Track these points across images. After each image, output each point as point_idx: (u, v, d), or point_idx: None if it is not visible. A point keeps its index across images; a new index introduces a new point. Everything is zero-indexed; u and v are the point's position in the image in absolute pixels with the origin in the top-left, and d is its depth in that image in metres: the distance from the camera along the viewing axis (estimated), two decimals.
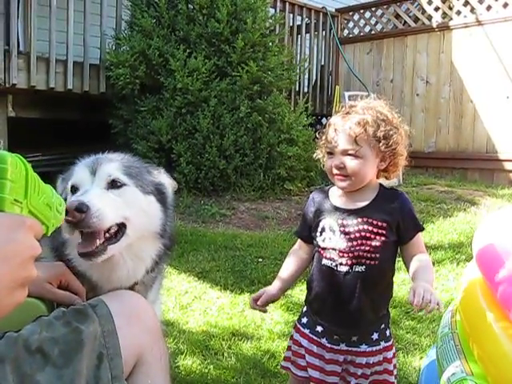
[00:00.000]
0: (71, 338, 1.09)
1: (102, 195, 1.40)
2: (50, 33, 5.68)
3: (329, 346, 1.75)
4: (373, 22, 8.58)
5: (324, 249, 1.74)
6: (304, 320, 1.84)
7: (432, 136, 7.79)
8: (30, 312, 1.22)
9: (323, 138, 1.78)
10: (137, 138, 5.77)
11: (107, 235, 1.37)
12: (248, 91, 5.75)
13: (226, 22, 5.73)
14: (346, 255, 1.69)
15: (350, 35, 8.78)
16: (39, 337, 1.08)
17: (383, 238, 1.68)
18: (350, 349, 1.75)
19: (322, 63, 8.73)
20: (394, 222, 1.70)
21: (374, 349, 1.75)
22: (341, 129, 1.70)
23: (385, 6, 8.33)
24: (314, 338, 1.78)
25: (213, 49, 5.79)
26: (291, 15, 7.97)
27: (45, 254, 1.49)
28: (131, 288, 1.46)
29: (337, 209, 1.76)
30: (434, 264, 3.78)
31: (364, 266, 1.69)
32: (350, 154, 1.67)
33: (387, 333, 1.80)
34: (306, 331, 1.81)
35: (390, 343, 1.79)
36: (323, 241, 1.75)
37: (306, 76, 8.38)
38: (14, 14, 5.44)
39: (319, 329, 1.78)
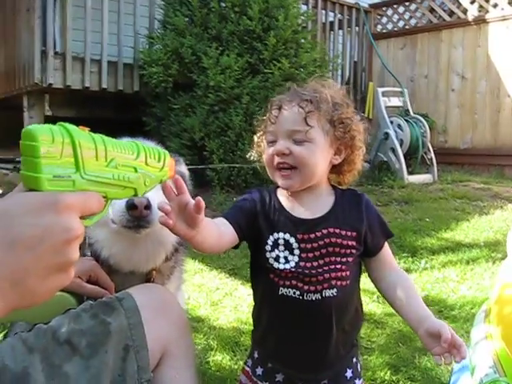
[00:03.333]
0: (98, 330, 1.12)
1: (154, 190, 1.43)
2: (85, 33, 5.78)
3: None
4: (407, 16, 8.48)
5: (279, 273, 1.33)
6: (259, 371, 1.44)
7: (468, 132, 7.66)
8: (59, 305, 1.26)
9: (263, 125, 1.41)
10: (170, 135, 5.81)
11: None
12: (280, 88, 5.71)
13: (258, 20, 5.72)
14: (313, 279, 1.31)
15: (384, 30, 8.69)
16: (67, 328, 1.10)
17: (354, 251, 1.34)
18: None
19: (356, 59, 8.66)
20: (363, 229, 1.35)
21: None
22: (286, 106, 1.34)
23: (419, 0, 8.22)
24: None
25: (245, 46, 5.79)
26: (323, 11, 7.91)
27: None
28: (149, 274, 1.48)
29: (292, 218, 1.36)
30: (468, 263, 3.73)
31: (335, 289, 1.32)
32: (297, 140, 1.31)
33: (359, 367, 1.46)
34: None
35: (361, 380, 1.47)
36: (276, 260, 1.33)
37: (339, 73, 8.32)
38: (50, 16, 5.53)
39: (280, 378, 1.40)
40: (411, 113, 7.05)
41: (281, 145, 1.32)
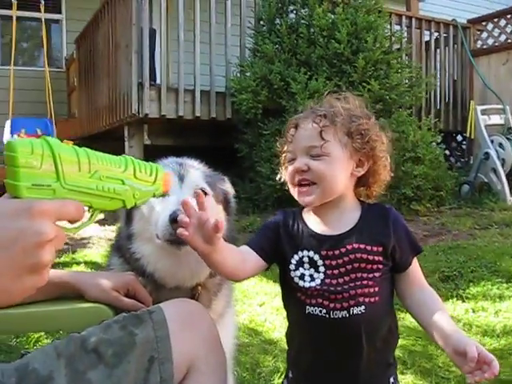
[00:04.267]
0: (125, 341, 1.15)
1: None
2: (178, 65, 6.04)
3: None
4: (508, 30, 8.07)
5: (305, 291, 1.31)
6: None
7: None
8: (96, 316, 1.32)
9: (283, 145, 1.42)
10: (261, 160, 5.89)
11: None
12: (370, 110, 5.63)
13: (347, 42, 5.72)
14: (339, 296, 1.28)
15: (484, 46, 8.33)
16: (97, 338, 1.15)
17: (381, 266, 1.30)
18: None
19: (455, 78, 8.36)
20: (390, 244, 1.31)
21: None
22: (302, 123, 1.36)
23: None
24: None
25: (334, 70, 5.79)
26: (418, 30, 7.74)
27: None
28: (194, 289, 1.50)
29: (316, 236, 1.34)
30: None
31: (363, 306, 1.28)
32: (314, 156, 1.30)
33: None
34: None
35: None
36: (301, 279, 1.32)
37: (438, 92, 8.07)
38: (146, 50, 5.85)
39: None
40: None
41: (299, 162, 1.32)
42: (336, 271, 1.30)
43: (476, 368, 1.14)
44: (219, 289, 1.62)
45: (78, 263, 4.25)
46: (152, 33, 6.40)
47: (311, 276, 1.32)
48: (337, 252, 1.31)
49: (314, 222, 1.38)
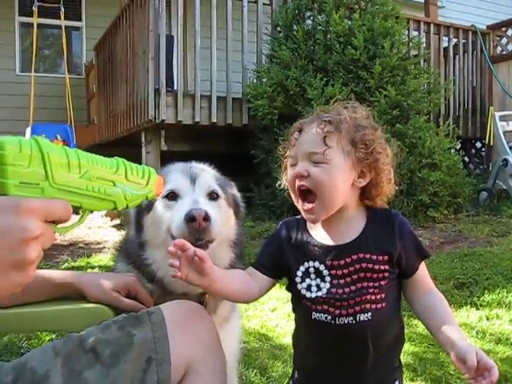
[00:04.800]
0: (122, 341, 1.15)
1: (211, 207, 1.46)
2: (195, 71, 6.09)
3: None
4: None
5: (312, 300, 1.32)
6: None
7: None
8: (96, 317, 1.34)
9: (286, 149, 1.41)
10: (277, 167, 5.89)
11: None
12: (387, 116, 5.63)
13: (363, 48, 5.71)
14: (344, 303, 1.29)
15: (504, 52, 8.25)
16: (95, 338, 1.16)
17: (387, 274, 1.30)
18: None
19: (474, 84, 8.29)
20: (396, 252, 1.30)
21: None
22: (306, 128, 1.33)
23: None
24: None
25: (350, 75, 5.78)
26: (437, 36, 7.69)
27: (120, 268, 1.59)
28: (201, 296, 1.49)
29: (321, 246, 1.34)
30: None
31: (370, 313, 1.28)
32: (315, 162, 1.28)
33: None
34: None
35: None
36: (308, 289, 1.32)
37: (457, 98, 8.01)
38: (163, 57, 5.90)
39: None
40: None
41: (300, 167, 1.30)
42: (342, 281, 1.30)
43: (478, 374, 1.14)
44: None
45: (93, 267, 4.28)
46: (170, 39, 6.45)
47: (317, 286, 1.32)
48: (342, 262, 1.30)
49: (318, 232, 1.37)
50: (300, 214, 1.39)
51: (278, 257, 1.38)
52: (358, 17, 5.92)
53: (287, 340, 2.89)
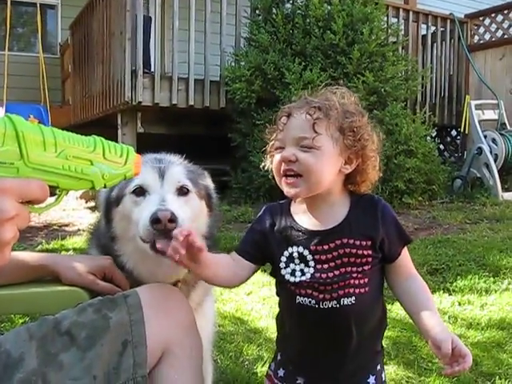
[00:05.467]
0: (98, 324, 1.15)
1: (179, 204, 1.42)
2: (172, 53, 6.02)
3: None
4: (505, 25, 8.06)
5: (296, 284, 1.33)
6: (280, 372, 1.44)
7: None
8: (72, 299, 1.32)
9: (273, 133, 1.39)
10: (254, 150, 5.87)
11: None
12: (365, 102, 5.64)
13: (342, 34, 5.70)
14: (328, 287, 1.29)
15: (481, 41, 8.32)
16: (70, 321, 1.15)
17: (370, 259, 1.31)
18: None
19: (451, 72, 8.35)
20: (378, 237, 1.32)
21: None
22: (295, 113, 1.32)
23: None
24: None
25: (329, 61, 5.77)
26: (415, 24, 7.72)
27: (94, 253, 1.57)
28: (173, 285, 1.47)
29: (305, 232, 1.34)
30: None
31: (353, 297, 1.30)
32: (304, 146, 1.28)
33: (383, 375, 1.43)
34: None
35: None
36: (292, 274, 1.33)
37: (433, 86, 8.06)
38: (140, 38, 5.82)
39: (300, 381, 1.40)
40: (508, 126, 6.68)
41: (287, 151, 1.29)
42: (326, 265, 1.31)
43: (452, 360, 1.19)
44: (196, 281, 1.59)
45: (67, 250, 4.24)
46: (147, 20, 6.35)
47: (301, 271, 1.32)
48: (326, 247, 1.31)
49: (302, 217, 1.37)
50: (282, 198, 1.40)
51: (261, 243, 1.38)
52: (338, 2, 5.90)
53: (262, 324, 2.91)
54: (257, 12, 6.44)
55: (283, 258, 1.35)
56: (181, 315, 1.27)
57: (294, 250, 1.34)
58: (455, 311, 3.11)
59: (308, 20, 5.93)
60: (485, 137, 6.44)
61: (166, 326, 1.23)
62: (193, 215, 1.46)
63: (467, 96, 7.87)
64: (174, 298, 1.30)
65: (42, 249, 4.24)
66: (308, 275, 1.31)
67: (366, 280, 1.31)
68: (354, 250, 1.30)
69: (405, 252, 1.37)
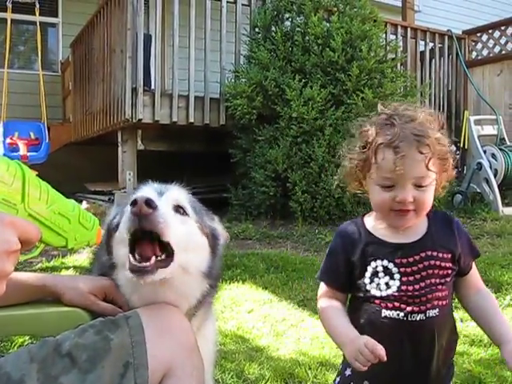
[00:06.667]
0: (99, 346, 1.14)
1: (172, 217, 1.29)
2: (172, 70, 6.06)
3: None
4: (503, 41, 8.11)
5: (383, 298, 1.35)
6: None
7: None
8: (72, 321, 1.30)
9: (368, 161, 1.39)
10: (255, 166, 5.89)
11: (158, 258, 1.32)
12: (364, 119, 5.66)
13: (341, 51, 5.74)
14: (416, 300, 1.34)
15: (479, 57, 8.37)
16: (71, 342, 1.14)
17: (450, 272, 1.37)
18: None
19: (449, 88, 8.39)
20: (457, 250, 1.38)
21: None
22: (406, 151, 1.29)
23: None
24: None
25: (328, 77, 5.81)
26: (413, 40, 7.77)
27: None
28: None
29: (388, 245, 1.38)
30: None
31: (437, 309, 1.35)
32: (420, 186, 1.31)
33: None
34: None
35: None
36: (378, 288, 1.36)
37: (432, 102, 8.09)
38: (140, 56, 5.86)
39: None
40: (507, 141, 6.70)
41: (405, 194, 1.31)
42: (411, 278, 1.36)
43: None
44: (196, 310, 1.52)
45: (68, 268, 4.23)
46: (147, 38, 6.40)
47: (387, 284, 1.37)
48: (411, 259, 1.36)
49: (380, 231, 1.42)
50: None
51: (348, 270, 1.41)
52: (337, 19, 5.95)
53: (264, 342, 2.89)
54: (256, 30, 6.49)
55: (367, 274, 1.38)
56: (182, 336, 1.26)
57: (379, 264, 1.38)
58: (458, 328, 3.07)
59: (307, 37, 5.96)
60: (484, 152, 6.46)
61: (167, 347, 1.22)
62: (188, 241, 1.34)
63: (466, 111, 7.92)
64: (175, 318, 1.29)
65: (42, 267, 4.23)
66: (394, 288, 1.36)
67: (447, 292, 1.38)
68: (437, 262, 1.37)
69: (474, 266, 1.46)
